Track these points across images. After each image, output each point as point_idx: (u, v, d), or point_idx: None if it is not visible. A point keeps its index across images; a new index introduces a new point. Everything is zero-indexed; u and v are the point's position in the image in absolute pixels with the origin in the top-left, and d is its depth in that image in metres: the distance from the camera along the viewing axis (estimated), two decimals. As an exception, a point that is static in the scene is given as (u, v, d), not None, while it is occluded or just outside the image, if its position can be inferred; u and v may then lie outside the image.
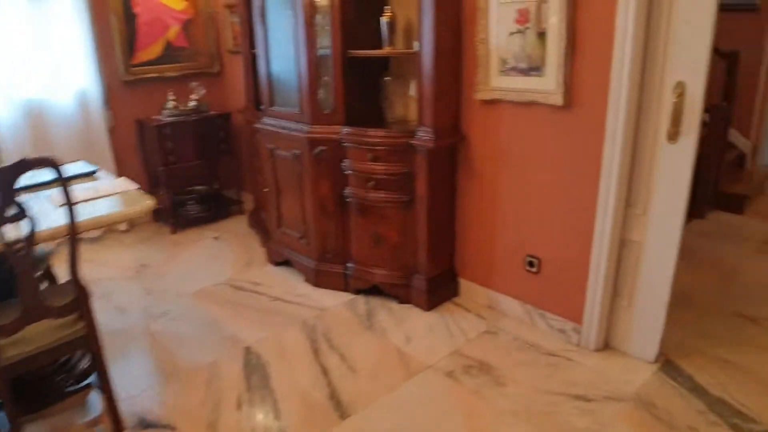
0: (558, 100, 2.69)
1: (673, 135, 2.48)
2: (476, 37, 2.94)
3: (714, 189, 5.04)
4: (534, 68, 2.76)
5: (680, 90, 2.42)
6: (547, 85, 2.72)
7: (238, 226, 4.88)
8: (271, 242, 4.02)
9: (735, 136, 5.77)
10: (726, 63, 4.96)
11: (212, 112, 4.87)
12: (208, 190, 5.15)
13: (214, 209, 5.04)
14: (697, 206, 4.96)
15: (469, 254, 3.40)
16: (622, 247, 2.77)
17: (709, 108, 4.80)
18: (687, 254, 4.11)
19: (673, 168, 2.52)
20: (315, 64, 3.27)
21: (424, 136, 3.03)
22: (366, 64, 3.38)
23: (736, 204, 5.10)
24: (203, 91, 4.84)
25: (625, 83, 2.48)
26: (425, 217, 3.18)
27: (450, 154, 3.24)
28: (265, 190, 3.88)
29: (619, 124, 2.54)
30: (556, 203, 2.89)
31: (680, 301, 3.37)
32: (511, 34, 2.81)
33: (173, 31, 4.93)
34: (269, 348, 2.99)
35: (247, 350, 2.98)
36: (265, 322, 3.26)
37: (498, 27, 2.86)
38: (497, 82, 2.94)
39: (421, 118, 3.06)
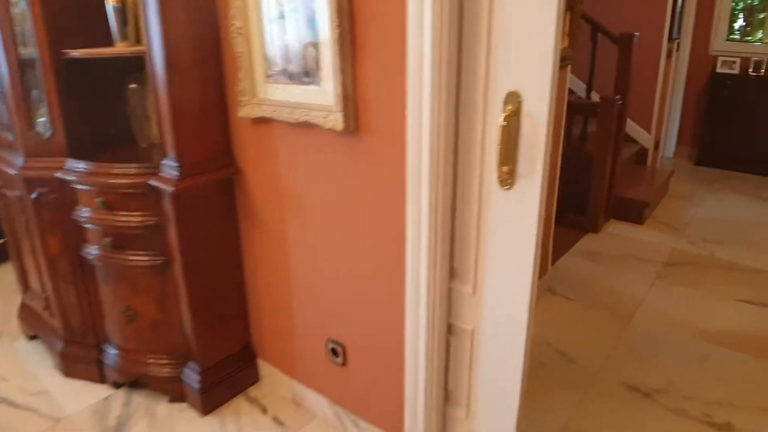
0: (338, 121, 1.74)
1: (507, 177, 1.56)
2: (232, 26, 1.96)
3: (608, 195, 4.28)
4: (307, 73, 1.81)
5: (513, 106, 1.50)
6: (324, 98, 1.77)
7: (9, 276, 3.73)
8: (22, 310, 2.94)
9: (634, 129, 5.06)
10: (618, 48, 4.17)
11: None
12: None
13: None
14: (591, 218, 4.21)
15: (267, 331, 2.44)
16: (450, 335, 1.87)
17: (599, 101, 4.04)
18: (576, 290, 3.31)
19: (512, 226, 1.61)
20: (20, 71, 2.22)
21: (167, 172, 2.05)
22: (108, 70, 2.35)
23: (634, 212, 4.37)
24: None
25: (428, 98, 1.56)
26: (185, 284, 2.19)
27: (222, 195, 2.25)
28: (1, 240, 2.80)
29: (424, 162, 1.62)
30: (356, 269, 1.96)
31: (561, 369, 2.57)
32: (273, 19, 1.85)
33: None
34: None
35: None
36: (-35, 449, 2.22)
37: (259, 9, 1.88)
38: (265, 93, 1.97)
39: (164, 147, 2.07)
